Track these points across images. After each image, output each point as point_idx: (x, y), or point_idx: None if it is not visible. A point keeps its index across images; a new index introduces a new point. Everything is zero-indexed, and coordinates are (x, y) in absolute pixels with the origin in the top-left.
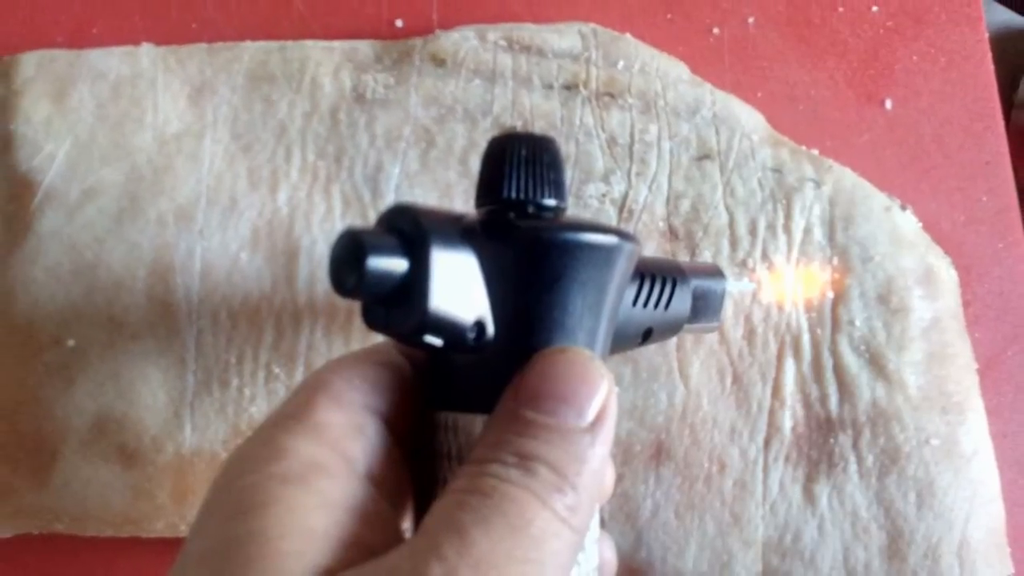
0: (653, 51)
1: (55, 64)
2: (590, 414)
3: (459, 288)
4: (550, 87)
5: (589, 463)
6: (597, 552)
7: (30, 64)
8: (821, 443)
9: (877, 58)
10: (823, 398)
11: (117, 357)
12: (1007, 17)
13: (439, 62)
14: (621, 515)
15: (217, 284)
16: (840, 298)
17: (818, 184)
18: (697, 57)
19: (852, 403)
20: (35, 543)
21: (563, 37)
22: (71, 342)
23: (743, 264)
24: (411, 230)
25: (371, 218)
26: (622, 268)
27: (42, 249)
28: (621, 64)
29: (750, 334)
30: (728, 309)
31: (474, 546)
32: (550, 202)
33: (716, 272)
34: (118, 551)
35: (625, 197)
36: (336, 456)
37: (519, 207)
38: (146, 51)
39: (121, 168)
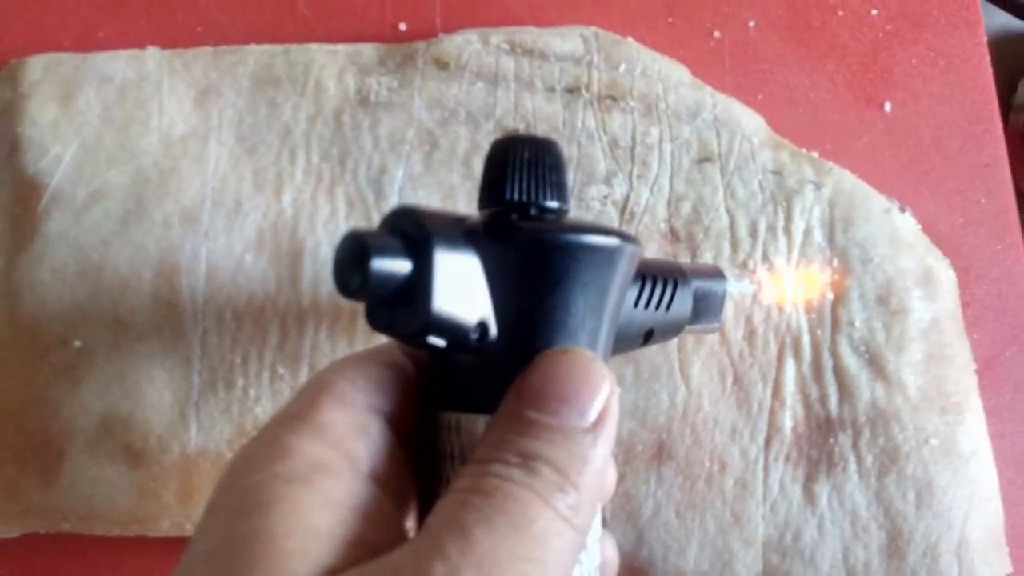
0: (654, 54)
1: (61, 67)
2: (592, 414)
3: (462, 289)
4: (552, 90)
5: (591, 463)
6: (599, 551)
7: (37, 67)
8: (821, 443)
9: (876, 61)
10: (823, 398)
11: (123, 358)
12: (1005, 20)
13: (442, 65)
14: (623, 514)
15: (222, 285)
16: (840, 299)
17: (818, 186)
18: (698, 60)
19: (852, 403)
20: (42, 542)
21: (565, 40)
22: (77, 343)
23: (744, 266)
24: (414, 232)
25: (375, 220)
26: (624, 269)
27: (49, 251)
28: (623, 67)
29: (751, 335)
30: (729, 310)
31: (477, 545)
32: (552, 204)
33: (717, 273)
34: (124, 550)
35: (627, 199)
36: (340, 456)
37: (521, 209)
38: (152, 54)
39: (127, 170)
